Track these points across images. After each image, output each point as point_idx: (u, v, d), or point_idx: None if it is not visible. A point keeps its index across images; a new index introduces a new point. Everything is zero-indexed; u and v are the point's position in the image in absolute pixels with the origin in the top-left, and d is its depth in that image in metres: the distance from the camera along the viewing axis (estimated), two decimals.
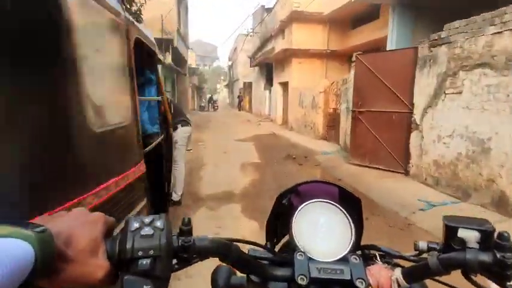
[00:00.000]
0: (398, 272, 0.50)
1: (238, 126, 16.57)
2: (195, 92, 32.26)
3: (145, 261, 0.39)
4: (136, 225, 0.42)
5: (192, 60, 42.59)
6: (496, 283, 0.44)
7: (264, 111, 20.87)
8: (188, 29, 23.99)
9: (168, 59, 12.63)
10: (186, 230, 0.44)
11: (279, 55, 14.09)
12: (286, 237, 0.63)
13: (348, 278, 0.49)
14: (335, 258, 0.53)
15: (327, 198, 0.59)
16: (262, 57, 16.89)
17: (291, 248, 0.56)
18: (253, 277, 0.54)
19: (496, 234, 0.45)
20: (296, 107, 12.60)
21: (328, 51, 12.96)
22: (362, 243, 0.61)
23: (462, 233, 0.46)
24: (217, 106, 33.06)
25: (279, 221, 0.65)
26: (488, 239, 0.45)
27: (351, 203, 0.62)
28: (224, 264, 0.51)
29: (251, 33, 22.63)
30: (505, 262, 0.42)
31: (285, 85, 15.21)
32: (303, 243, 0.55)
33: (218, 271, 0.61)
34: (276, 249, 0.66)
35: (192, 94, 30.26)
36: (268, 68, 20.69)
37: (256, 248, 0.58)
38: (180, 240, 0.44)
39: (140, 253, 0.40)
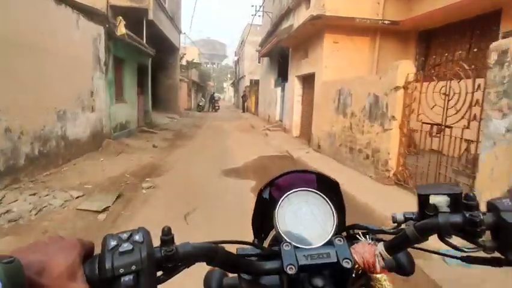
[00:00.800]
0: (380, 246, 0.51)
1: (237, 136, 11.41)
2: (192, 90, 27.18)
3: (128, 278, 0.39)
4: (113, 243, 0.41)
5: (193, 54, 37.67)
6: (468, 241, 0.45)
7: (273, 115, 15.69)
8: (180, 11, 18.93)
9: (121, 27, 7.50)
10: (167, 239, 0.43)
11: (303, 31, 8.88)
12: (274, 231, 0.61)
13: (335, 260, 0.50)
14: (321, 244, 0.53)
15: (306, 187, 0.60)
16: (275, 40, 11.81)
17: (279, 240, 0.56)
18: (244, 275, 0.55)
19: (463, 196, 0.46)
20: (330, 114, 7.38)
21: (385, 22, 7.73)
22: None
23: (433, 199, 0.47)
24: (218, 106, 27.91)
25: (264, 216, 0.64)
26: (457, 202, 0.46)
27: (329, 187, 0.64)
28: (215, 268, 0.50)
29: (259, 12, 17.42)
30: (473, 220, 0.43)
31: (307, 79, 10.02)
32: (288, 233, 0.55)
33: (210, 275, 0.63)
34: (266, 244, 0.66)
35: (188, 91, 25.21)
36: (282, 58, 15.56)
37: (244, 246, 0.57)
38: (162, 251, 0.43)
39: (121, 270, 0.39)
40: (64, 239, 0.42)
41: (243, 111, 25.63)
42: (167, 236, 0.43)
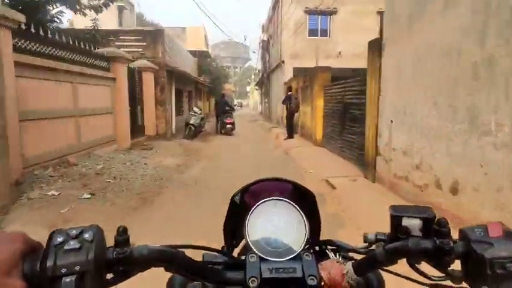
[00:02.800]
0: (349, 265, 0.50)
1: None
2: (173, 91, 12.17)
3: (69, 279, 0.35)
4: (59, 239, 0.37)
5: (197, 38, 23.53)
6: (437, 269, 0.44)
7: None
8: None
9: None
10: (122, 240, 0.40)
11: None
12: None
13: (300, 275, 0.48)
14: (288, 257, 0.50)
15: (281, 196, 0.58)
16: None
17: (248, 249, 0.53)
18: (208, 284, 0.53)
19: (436, 221, 0.45)
20: None
21: None
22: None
23: (406, 221, 0.46)
24: (233, 124, 12.76)
25: (237, 223, 0.60)
26: (429, 226, 0.45)
27: (305, 198, 0.61)
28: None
29: None
30: (443, 248, 0.42)
31: None
32: (258, 244, 0.52)
33: (172, 281, 0.60)
34: (236, 252, 0.64)
35: (159, 93, 10.36)
36: None
37: (212, 253, 0.55)
38: (115, 252, 0.39)
39: (63, 270, 0.35)
40: (5, 232, 0.38)
41: (289, 136, 10.36)
42: (122, 236, 0.40)
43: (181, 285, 0.58)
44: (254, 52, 25.42)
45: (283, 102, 10.48)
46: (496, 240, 0.41)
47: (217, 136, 12.50)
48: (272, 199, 0.56)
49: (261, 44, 23.41)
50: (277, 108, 17.99)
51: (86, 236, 0.38)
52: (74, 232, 0.38)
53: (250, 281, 0.46)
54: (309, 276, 0.47)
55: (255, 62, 49.45)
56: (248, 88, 63.11)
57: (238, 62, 78.93)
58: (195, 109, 11.64)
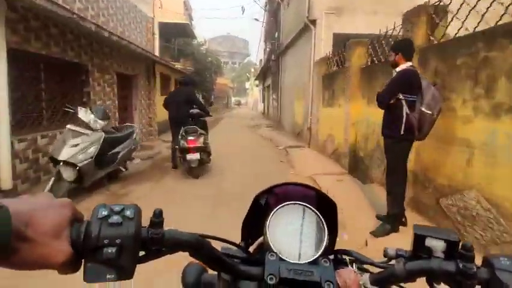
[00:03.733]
0: (366, 277, 0.49)
1: None
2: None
3: (111, 250, 0.37)
4: (104, 212, 0.40)
5: (173, 2, 16.04)
6: None
7: None
8: None
9: None
10: (157, 222, 0.42)
11: None
12: (261, 238, 0.60)
13: (317, 280, 0.48)
14: (307, 261, 0.51)
15: (304, 201, 0.58)
16: None
17: (265, 248, 0.54)
18: (224, 275, 0.53)
19: (460, 245, 0.45)
20: None
21: None
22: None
23: (429, 242, 0.46)
24: (204, 150, 5.27)
25: (256, 221, 0.62)
26: (453, 249, 0.45)
27: (327, 207, 0.61)
28: (196, 261, 0.50)
29: None
30: (466, 272, 0.42)
31: None
32: (277, 244, 0.53)
33: (189, 268, 0.62)
34: (251, 249, 0.65)
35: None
36: None
37: (229, 246, 0.56)
38: (150, 232, 0.41)
39: (106, 241, 0.38)
40: (56, 199, 0.40)
41: (394, 222, 2.86)
42: (157, 218, 0.42)
43: (197, 274, 0.60)
44: (256, 19, 17.62)
45: (385, 97, 2.49)
46: None
47: (164, 182, 4.83)
48: (295, 203, 0.57)
49: (267, 7, 15.32)
50: (294, 110, 10.30)
51: (128, 213, 0.40)
52: (117, 208, 0.40)
53: (268, 278, 0.46)
54: (326, 281, 0.46)
55: (255, 57, 41.87)
56: (247, 85, 55.92)
57: (237, 58, 72.64)
58: (84, 116, 3.89)
